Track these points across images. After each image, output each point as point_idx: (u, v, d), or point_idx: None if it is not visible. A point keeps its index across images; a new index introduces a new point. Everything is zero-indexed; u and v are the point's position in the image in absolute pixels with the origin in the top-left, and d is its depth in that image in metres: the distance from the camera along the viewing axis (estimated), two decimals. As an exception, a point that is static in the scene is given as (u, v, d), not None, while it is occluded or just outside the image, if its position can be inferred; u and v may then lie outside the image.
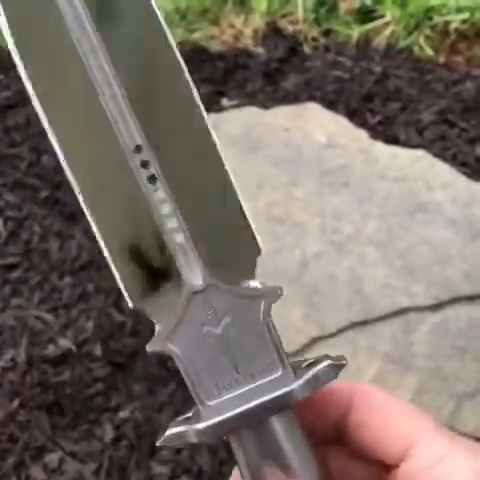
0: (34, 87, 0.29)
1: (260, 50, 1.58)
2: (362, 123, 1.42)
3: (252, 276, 0.30)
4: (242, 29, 1.62)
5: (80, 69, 0.29)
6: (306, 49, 1.59)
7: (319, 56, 1.57)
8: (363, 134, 1.36)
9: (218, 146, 0.31)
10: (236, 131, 1.36)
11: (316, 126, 1.37)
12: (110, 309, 1.17)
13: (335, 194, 1.25)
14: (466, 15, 1.54)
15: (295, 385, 0.28)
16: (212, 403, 0.29)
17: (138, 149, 0.30)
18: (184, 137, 0.30)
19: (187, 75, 0.30)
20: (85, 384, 1.10)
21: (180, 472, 1.03)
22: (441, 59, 1.55)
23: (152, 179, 0.30)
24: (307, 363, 0.30)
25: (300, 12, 1.60)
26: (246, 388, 0.29)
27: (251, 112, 1.41)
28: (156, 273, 0.30)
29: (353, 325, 1.10)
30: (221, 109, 1.45)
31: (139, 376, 1.11)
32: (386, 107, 1.47)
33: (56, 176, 1.35)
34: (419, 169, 1.30)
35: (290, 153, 1.32)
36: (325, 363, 0.29)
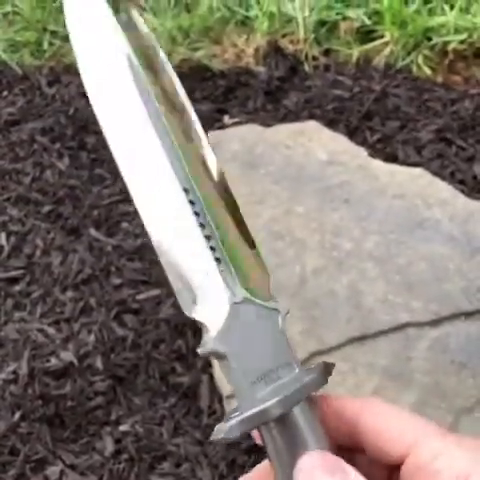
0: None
1: (261, 69, 1.61)
2: (362, 141, 1.44)
3: (269, 293, 0.38)
4: (244, 48, 1.65)
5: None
6: (307, 68, 1.61)
7: (319, 75, 1.60)
8: (363, 152, 1.38)
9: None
10: (238, 148, 1.38)
11: (317, 144, 1.39)
12: (111, 323, 1.18)
13: (335, 210, 1.27)
14: (464, 36, 1.57)
15: (309, 378, 0.35)
16: (252, 393, 0.35)
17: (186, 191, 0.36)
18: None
19: None
20: (86, 397, 1.11)
21: (180, 485, 1.03)
22: (439, 78, 1.58)
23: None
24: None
25: (301, 32, 1.62)
26: (272, 384, 0.35)
27: (252, 129, 1.43)
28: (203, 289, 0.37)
29: (352, 340, 1.11)
30: (223, 126, 1.47)
31: (140, 390, 1.12)
32: (385, 125, 1.49)
33: (59, 191, 1.37)
34: (418, 186, 1.31)
35: (291, 170, 1.34)
36: (321, 364, 0.36)
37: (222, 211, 0.37)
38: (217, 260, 0.36)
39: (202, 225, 0.36)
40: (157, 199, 0.36)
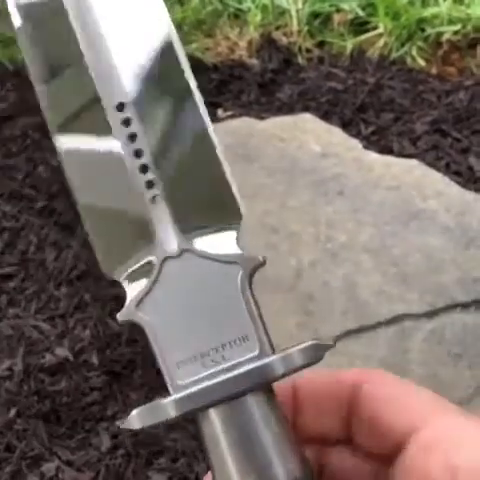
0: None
1: (255, 61, 1.60)
2: (356, 133, 1.43)
3: (233, 244, 0.28)
4: (237, 41, 1.64)
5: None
6: (300, 60, 1.60)
7: (313, 67, 1.59)
8: (357, 144, 1.37)
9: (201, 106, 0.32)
10: (231, 141, 1.37)
11: (311, 136, 1.38)
12: (107, 318, 1.18)
13: (329, 203, 1.26)
14: (458, 26, 1.56)
15: (271, 359, 0.26)
16: (182, 376, 0.27)
17: (121, 106, 0.30)
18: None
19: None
20: (82, 393, 1.10)
21: (177, 480, 1.03)
22: (434, 70, 1.57)
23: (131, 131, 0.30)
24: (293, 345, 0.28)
25: (294, 24, 1.61)
26: (219, 362, 0.27)
27: (246, 122, 1.42)
28: (130, 239, 0.29)
29: (348, 333, 1.11)
30: (216, 120, 1.46)
31: (136, 385, 1.12)
32: (380, 118, 1.48)
33: (52, 186, 1.36)
34: (413, 178, 1.31)
35: (285, 163, 1.33)
36: (309, 343, 0.27)
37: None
38: (152, 198, 0.29)
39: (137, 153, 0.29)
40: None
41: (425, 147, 1.42)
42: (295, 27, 1.61)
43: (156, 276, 0.28)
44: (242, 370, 0.26)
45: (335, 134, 1.40)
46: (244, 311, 0.27)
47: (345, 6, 1.63)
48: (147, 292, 0.28)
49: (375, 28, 1.60)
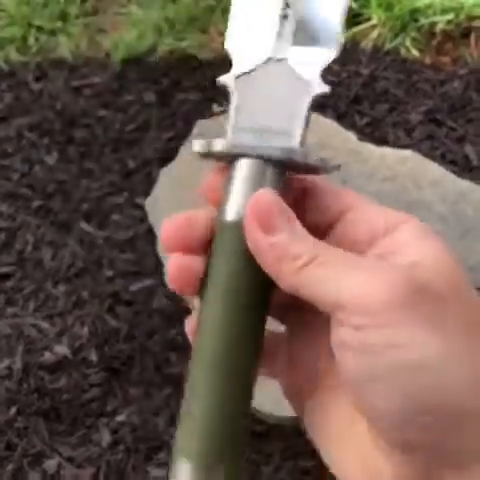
0: None
1: (248, 56, 1.60)
2: (351, 125, 1.43)
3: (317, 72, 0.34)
4: (230, 36, 1.64)
5: None
6: (294, 54, 1.60)
7: (307, 60, 1.59)
8: (352, 136, 1.37)
9: None
10: (226, 136, 1.38)
11: (305, 129, 1.38)
12: (105, 315, 1.18)
13: (325, 195, 1.26)
14: (451, 16, 1.56)
15: (299, 149, 0.32)
16: (237, 134, 0.33)
17: None
18: None
19: None
20: (81, 390, 1.11)
21: (177, 474, 1.03)
22: (428, 60, 1.57)
23: None
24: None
25: (287, 18, 1.61)
26: (267, 137, 0.32)
27: (241, 117, 1.42)
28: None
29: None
30: (212, 115, 1.46)
31: (135, 380, 1.12)
32: (374, 109, 1.48)
33: (48, 186, 1.37)
34: (408, 168, 1.31)
35: (280, 156, 1.33)
36: (326, 158, 0.33)
37: None
38: (284, 16, 0.34)
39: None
40: None
41: (420, 137, 1.42)
42: (288, 21, 1.61)
43: (258, 65, 0.34)
44: (277, 144, 0.32)
45: (330, 126, 1.39)
46: (301, 118, 0.33)
47: (338, -2, 1.63)
48: (247, 72, 0.34)
49: (368, 19, 1.60)
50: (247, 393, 0.31)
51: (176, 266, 0.31)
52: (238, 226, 0.31)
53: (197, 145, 0.33)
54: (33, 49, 1.63)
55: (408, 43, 1.57)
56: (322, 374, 0.31)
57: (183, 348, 1.14)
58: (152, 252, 1.25)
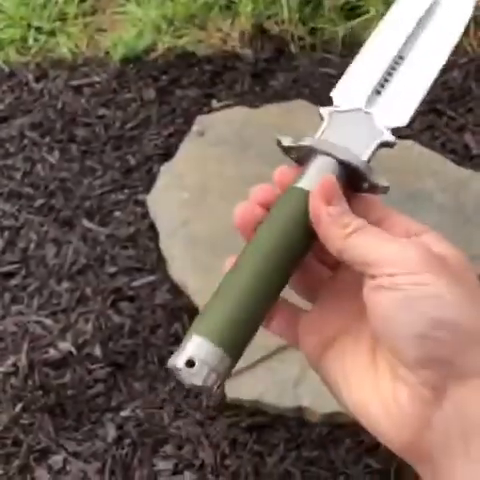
0: None
1: (247, 51, 1.60)
2: (351, 117, 1.43)
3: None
4: (229, 32, 1.64)
5: None
6: (293, 48, 1.60)
7: (306, 54, 1.59)
8: (352, 128, 1.37)
9: None
10: (227, 131, 1.38)
11: (305, 122, 1.38)
12: (108, 311, 1.19)
13: (325, 187, 1.26)
14: (449, 6, 1.56)
15: (365, 162, 0.42)
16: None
17: None
18: None
19: None
20: (86, 385, 1.11)
21: (183, 467, 1.03)
22: (427, 50, 1.56)
23: None
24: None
25: (285, 12, 1.61)
26: (341, 149, 0.42)
27: (241, 112, 1.42)
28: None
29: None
30: (211, 111, 1.46)
31: (139, 375, 1.13)
32: (374, 100, 1.48)
33: (50, 184, 1.37)
34: (408, 159, 1.31)
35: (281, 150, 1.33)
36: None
37: None
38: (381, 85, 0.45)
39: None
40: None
41: (420, 127, 1.42)
42: (286, 15, 1.61)
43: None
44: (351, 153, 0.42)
45: (329, 119, 1.39)
46: (370, 149, 0.42)
47: (336, -8, 1.63)
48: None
49: (366, 12, 1.60)
50: (268, 304, 0.39)
51: (244, 208, 0.41)
52: (306, 193, 0.40)
53: (286, 140, 0.42)
54: (33, 49, 1.64)
55: (407, 34, 1.57)
56: (345, 328, 0.40)
57: (186, 342, 1.15)
58: (154, 248, 1.25)
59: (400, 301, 0.35)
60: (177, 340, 1.15)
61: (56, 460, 1.05)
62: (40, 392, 1.10)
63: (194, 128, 1.38)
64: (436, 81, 0.46)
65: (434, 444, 0.35)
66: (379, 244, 0.37)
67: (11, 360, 1.14)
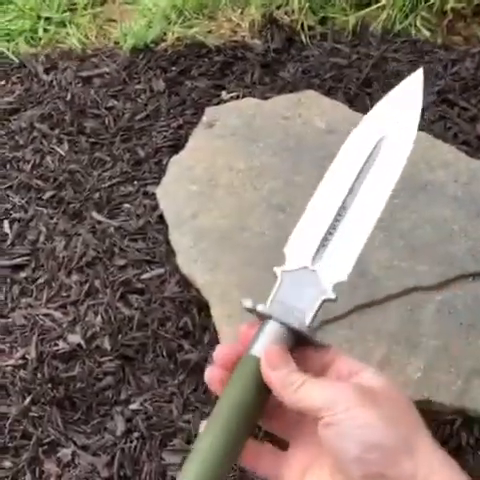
0: None
1: (257, 42, 1.59)
2: (362, 108, 1.42)
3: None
4: (239, 22, 1.63)
5: None
6: (303, 38, 1.59)
7: (316, 44, 1.58)
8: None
9: None
10: (236, 122, 1.37)
11: (315, 113, 1.37)
12: (117, 303, 1.19)
13: (336, 179, 1.25)
14: (462, -6, 1.54)
15: (307, 326, 0.51)
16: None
17: None
18: None
19: None
20: (95, 378, 1.11)
21: (192, 460, 1.03)
22: (439, 40, 1.55)
23: None
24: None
25: (295, 2, 1.60)
26: (289, 310, 0.51)
27: (250, 103, 1.41)
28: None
29: (359, 308, 1.10)
30: (221, 102, 1.45)
31: (148, 368, 1.12)
32: (385, 91, 1.45)
33: (60, 176, 1.37)
34: (421, 150, 1.29)
35: (290, 141, 1.32)
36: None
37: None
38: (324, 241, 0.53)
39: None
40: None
41: (433, 118, 1.40)
42: (296, 5, 1.60)
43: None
44: (295, 319, 0.52)
45: (340, 110, 1.38)
46: (313, 310, 0.52)
47: (346, -20, 1.61)
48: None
49: (377, 1, 1.58)
50: (234, 457, 0.50)
51: (211, 371, 0.51)
52: (257, 360, 0.49)
53: (247, 303, 0.51)
54: (42, 41, 1.63)
55: (419, 23, 1.55)
56: (315, 458, 0.50)
57: (195, 335, 1.14)
58: (164, 240, 1.25)
59: (341, 433, 0.45)
60: (186, 333, 1.14)
61: (65, 453, 1.05)
62: (49, 385, 1.10)
63: (203, 120, 1.37)
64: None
65: None
66: (320, 392, 0.47)
67: (20, 353, 1.14)
